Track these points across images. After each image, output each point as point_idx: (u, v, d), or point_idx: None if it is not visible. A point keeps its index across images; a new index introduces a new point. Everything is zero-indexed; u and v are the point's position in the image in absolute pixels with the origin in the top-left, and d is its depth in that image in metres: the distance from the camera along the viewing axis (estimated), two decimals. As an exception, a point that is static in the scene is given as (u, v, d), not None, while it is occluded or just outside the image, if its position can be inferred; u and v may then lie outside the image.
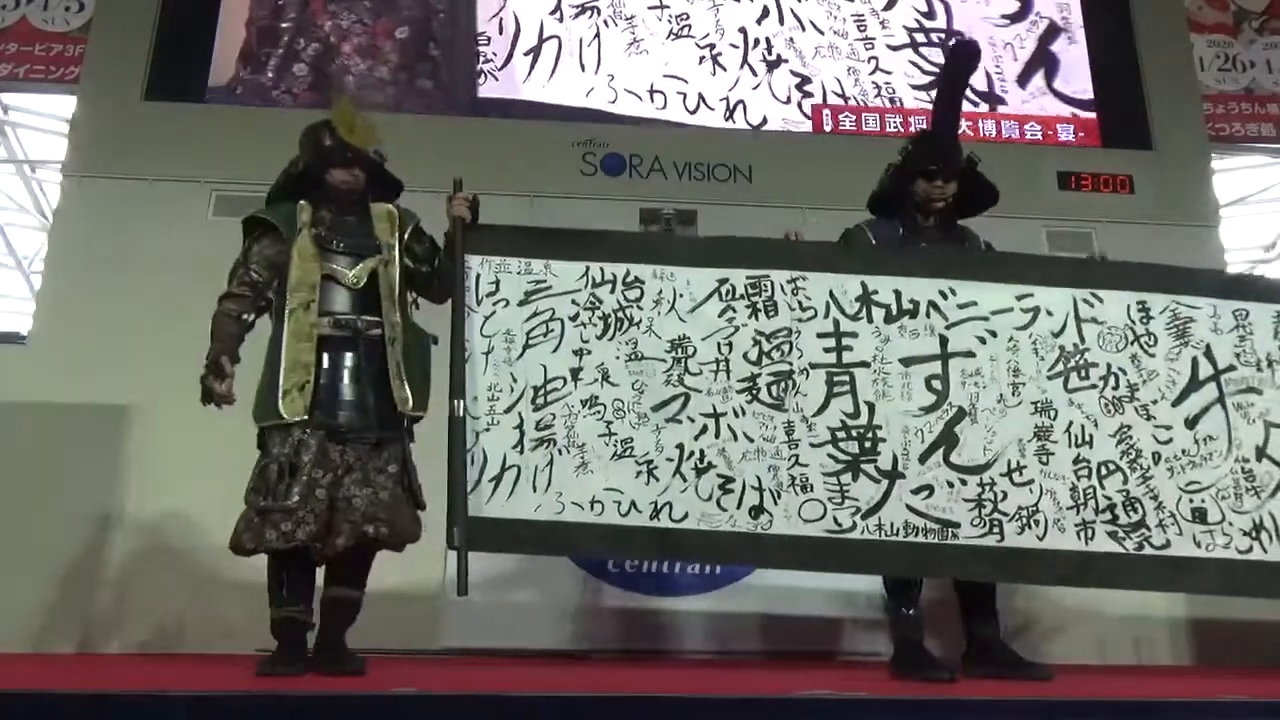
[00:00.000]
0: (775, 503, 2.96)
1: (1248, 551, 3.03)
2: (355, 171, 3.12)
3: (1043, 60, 6.23)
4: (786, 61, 6.04)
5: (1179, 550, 3.00)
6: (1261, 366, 3.21)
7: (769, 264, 3.15)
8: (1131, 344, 3.17)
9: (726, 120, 5.88)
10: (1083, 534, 2.99)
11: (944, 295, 3.14)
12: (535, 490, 2.96)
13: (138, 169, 5.20)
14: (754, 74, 6.00)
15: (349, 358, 2.99)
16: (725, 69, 5.99)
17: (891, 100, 6.01)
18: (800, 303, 3.11)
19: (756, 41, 6.07)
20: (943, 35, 6.20)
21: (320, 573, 3.01)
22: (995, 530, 2.96)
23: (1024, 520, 2.98)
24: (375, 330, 3.02)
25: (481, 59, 5.86)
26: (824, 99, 5.98)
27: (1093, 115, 6.09)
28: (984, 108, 6.09)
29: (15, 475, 4.52)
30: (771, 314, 3.10)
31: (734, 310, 3.11)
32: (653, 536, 2.96)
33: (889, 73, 6.09)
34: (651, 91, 5.89)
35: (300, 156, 3.18)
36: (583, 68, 5.90)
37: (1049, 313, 3.16)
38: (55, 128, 6.56)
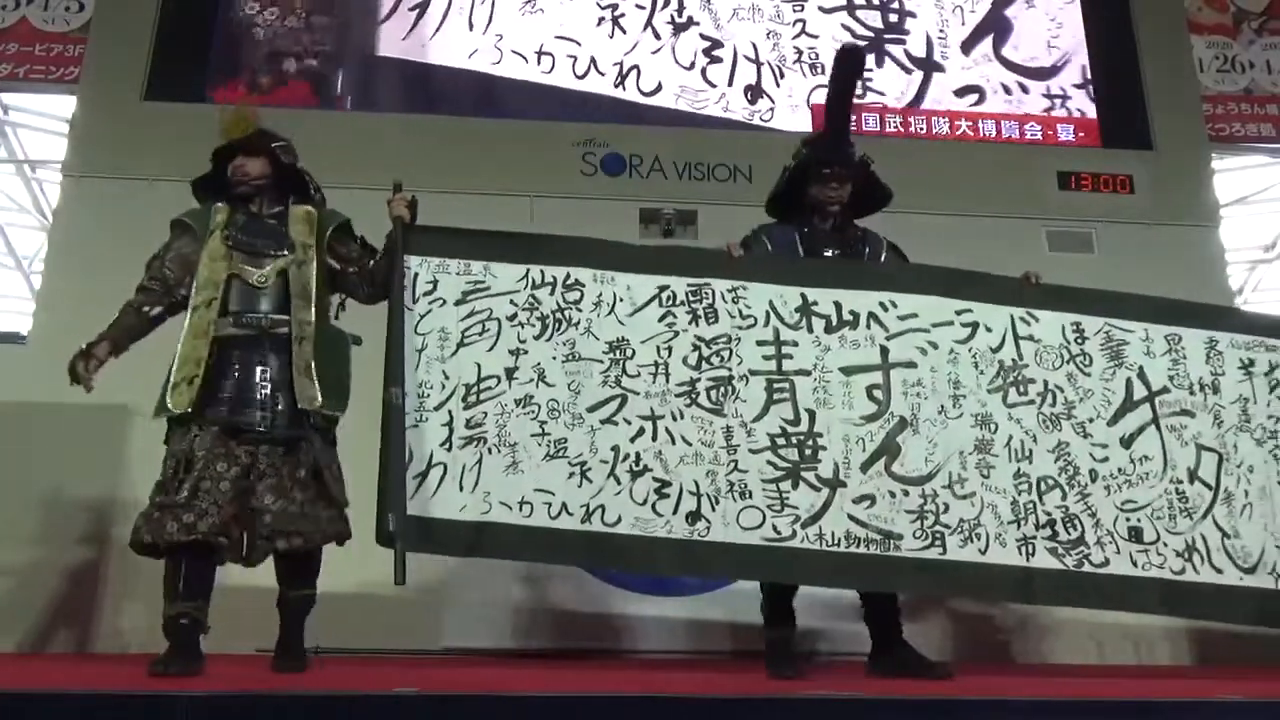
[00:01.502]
0: (713, 509, 2.93)
1: (1181, 573, 3.05)
2: (239, 160, 3.13)
3: (994, 25, 6.04)
4: (698, 24, 5.69)
5: (1117, 569, 3.01)
6: (1194, 390, 3.24)
7: (710, 273, 3.15)
8: (1067, 362, 3.18)
9: (616, 87, 5.55)
10: (1024, 549, 2.98)
11: (884, 307, 3.14)
12: (462, 490, 2.91)
13: (138, 169, 5.20)
14: (657, 37, 5.64)
15: (252, 356, 2.96)
16: (625, 31, 5.64)
17: (812, 67, 5.73)
18: (741, 311, 3.11)
19: (667, 1, 5.73)
20: (884, -3, 5.96)
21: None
22: (938, 543, 2.95)
23: (966, 533, 2.97)
24: (282, 329, 2.99)
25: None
26: (733, 64, 5.67)
27: (1042, 84, 5.96)
28: (918, 75, 5.89)
29: (15, 475, 4.52)
30: (712, 321, 3.10)
31: (674, 316, 3.10)
32: (584, 540, 2.90)
33: (815, 36, 5.79)
34: (539, 54, 5.56)
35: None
36: (471, 26, 5.57)
37: (988, 328, 3.17)
38: (55, 128, 6.59)
